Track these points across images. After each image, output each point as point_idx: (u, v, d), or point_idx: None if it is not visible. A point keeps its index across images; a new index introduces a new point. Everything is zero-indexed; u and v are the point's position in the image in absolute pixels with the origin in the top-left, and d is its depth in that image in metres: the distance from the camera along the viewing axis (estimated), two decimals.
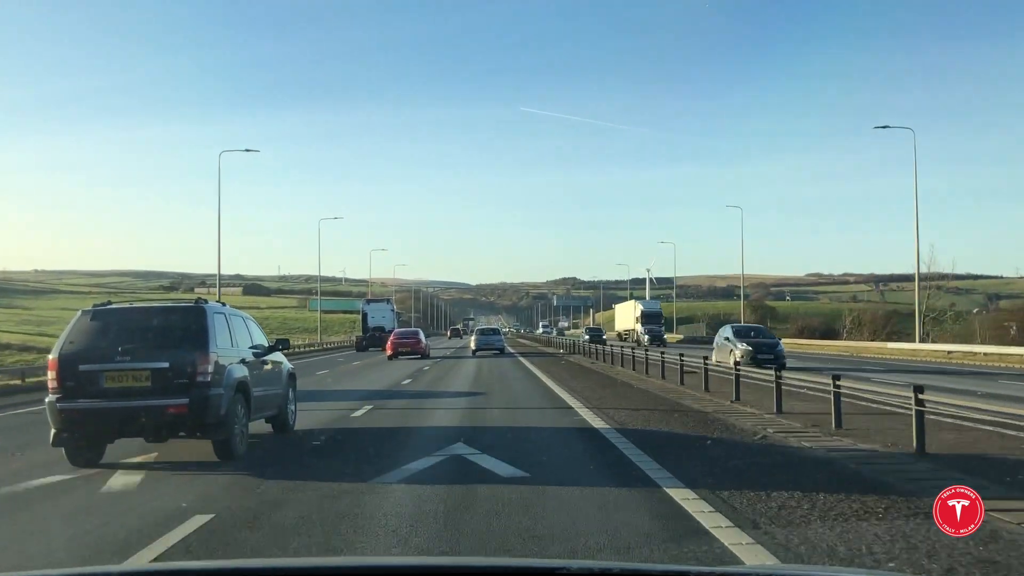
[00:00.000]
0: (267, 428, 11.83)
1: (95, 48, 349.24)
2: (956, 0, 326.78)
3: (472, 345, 43.82)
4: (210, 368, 9.01)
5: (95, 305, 9.54)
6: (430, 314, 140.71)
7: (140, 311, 10.05)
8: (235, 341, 10.08)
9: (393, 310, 56.04)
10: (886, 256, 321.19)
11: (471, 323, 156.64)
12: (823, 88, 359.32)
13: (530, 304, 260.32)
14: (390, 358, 37.77)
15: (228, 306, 10.76)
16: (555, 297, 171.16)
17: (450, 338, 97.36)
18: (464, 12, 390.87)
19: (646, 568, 2.61)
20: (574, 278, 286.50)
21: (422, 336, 42.07)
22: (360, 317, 56.90)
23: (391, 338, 41.46)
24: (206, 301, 9.88)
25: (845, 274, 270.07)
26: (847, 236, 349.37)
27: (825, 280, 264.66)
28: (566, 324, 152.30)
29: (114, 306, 9.73)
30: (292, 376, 12.68)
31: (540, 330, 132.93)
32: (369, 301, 60.20)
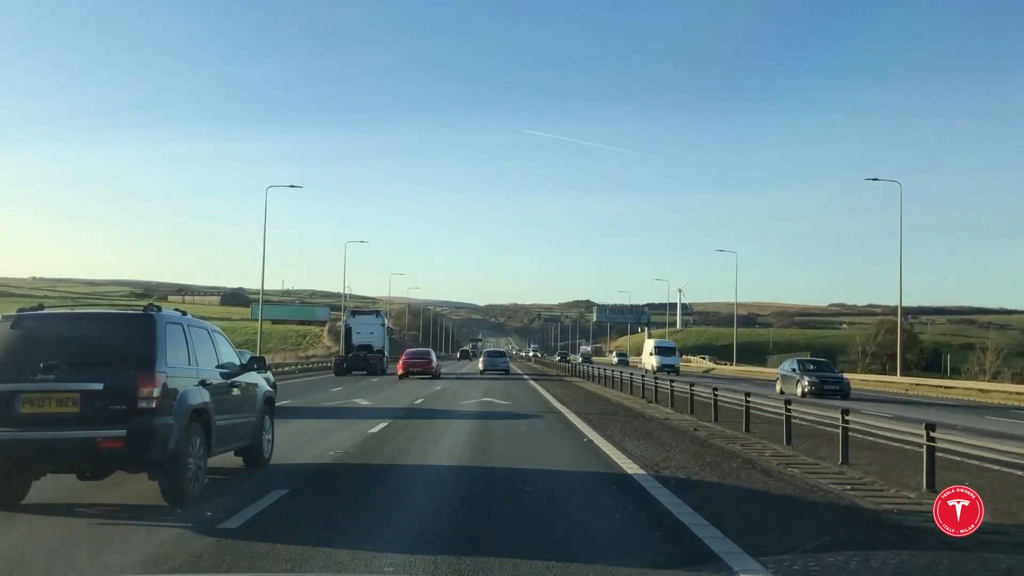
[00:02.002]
0: (237, 460, 10.36)
1: (108, 62, 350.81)
2: (964, 38, 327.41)
3: (480, 366, 50.76)
4: (156, 391, 7.50)
5: (19, 310, 8.05)
6: (432, 333, 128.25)
7: (72, 318, 8.51)
8: (195, 358, 8.58)
9: (384, 325, 48.02)
10: (912, 288, 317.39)
11: (479, 344, 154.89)
12: (838, 119, 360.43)
13: (542, 326, 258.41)
14: (401, 377, 39.15)
15: (190, 315, 9.25)
16: (597, 311, 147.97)
17: (459, 359, 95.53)
18: (477, 34, 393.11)
19: None
20: (588, 301, 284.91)
21: (433, 356, 43.48)
22: (343, 332, 48.56)
23: (403, 357, 42.70)
24: (158, 308, 8.37)
25: (870, 304, 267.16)
26: (869, 267, 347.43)
27: (849, 310, 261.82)
28: (589, 349, 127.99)
29: (46, 311, 8.25)
30: (270, 401, 11.20)
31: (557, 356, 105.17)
32: (355, 313, 51.20)
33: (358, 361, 43.92)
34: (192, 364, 8.48)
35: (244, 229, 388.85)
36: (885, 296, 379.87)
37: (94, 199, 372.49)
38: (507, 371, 49.06)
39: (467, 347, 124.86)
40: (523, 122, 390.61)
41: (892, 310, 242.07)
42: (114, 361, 7.59)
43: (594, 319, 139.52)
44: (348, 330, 46.85)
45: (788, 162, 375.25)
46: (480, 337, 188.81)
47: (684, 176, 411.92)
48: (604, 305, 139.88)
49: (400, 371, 40.09)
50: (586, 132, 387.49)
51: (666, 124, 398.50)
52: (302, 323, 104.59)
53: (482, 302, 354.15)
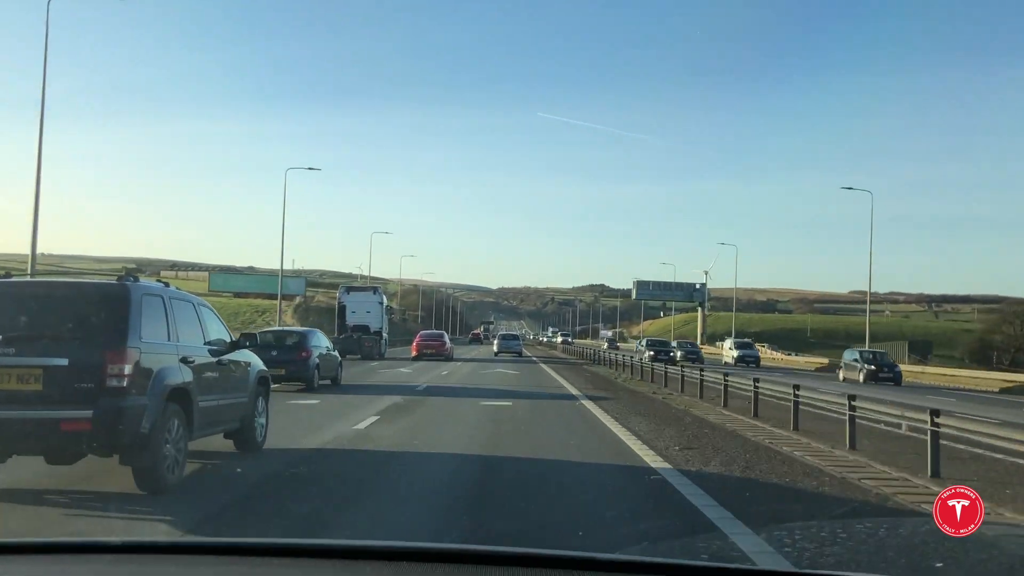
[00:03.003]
0: (229, 444, 9.81)
1: (121, 41, 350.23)
2: (969, 26, 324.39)
3: (495, 348, 54.60)
4: (127, 368, 6.92)
5: None
6: (441, 315, 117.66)
7: (39, 288, 7.94)
8: (175, 334, 7.98)
9: (383, 303, 43.69)
10: (930, 276, 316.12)
11: (492, 327, 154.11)
12: (852, 106, 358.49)
13: (556, 310, 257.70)
14: (415, 359, 39.73)
15: (173, 287, 8.66)
16: (637, 287, 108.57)
17: (470, 342, 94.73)
18: (492, 18, 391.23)
19: (666, 562, 2.49)
20: (603, 285, 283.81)
21: (447, 339, 45.26)
22: (336, 311, 44.96)
23: (416, 339, 43.81)
24: (135, 278, 7.78)
25: (892, 292, 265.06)
26: (890, 255, 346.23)
27: (872, 297, 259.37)
28: (611, 333, 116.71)
29: (11, 279, 7.67)
30: (264, 380, 10.64)
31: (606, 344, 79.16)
32: (349, 289, 47.00)
33: (351, 343, 39.17)
34: (172, 340, 7.89)
35: (258, 208, 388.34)
36: (905, 284, 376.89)
37: (109, 176, 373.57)
38: (520, 353, 52.90)
39: (479, 330, 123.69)
40: (537, 106, 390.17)
41: (915, 298, 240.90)
42: (82, 335, 7.02)
43: (633, 296, 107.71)
44: (342, 308, 43.06)
45: (802, 149, 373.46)
46: (492, 320, 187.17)
47: (697, 163, 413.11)
48: (646, 281, 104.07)
49: (414, 352, 41.53)
50: (599, 117, 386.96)
51: (680, 111, 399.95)
52: (270, 297, 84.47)
53: (494, 285, 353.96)
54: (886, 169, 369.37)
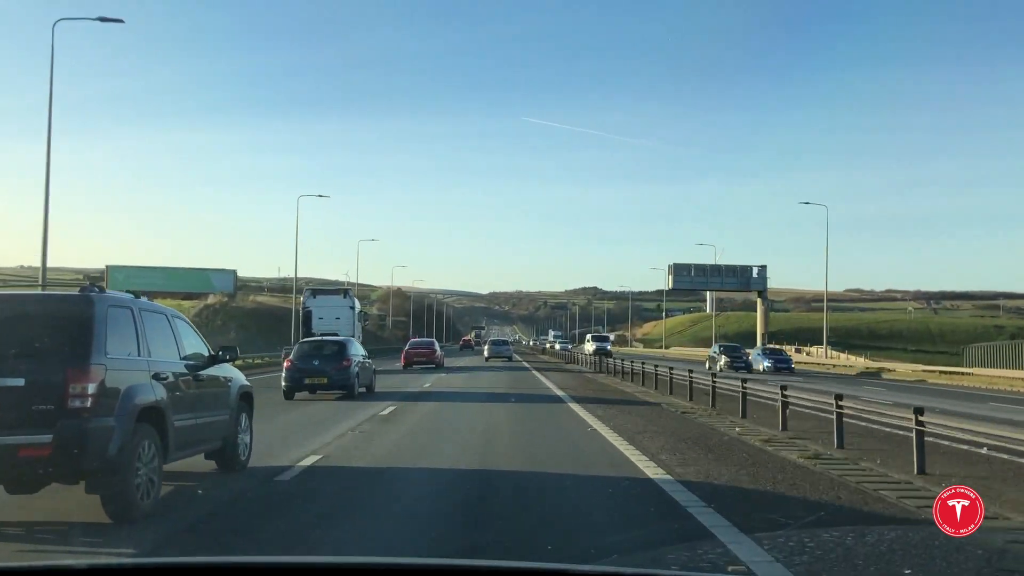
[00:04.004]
0: (210, 464, 9.36)
1: (106, 53, 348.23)
2: (970, 26, 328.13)
3: (486, 353, 56.50)
4: (91, 387, 6.44)
5: None
6: (426, 320, 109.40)
7: None
8: (146, 348, 7.51)
9: (354, 308, 38.25)
10: (925, 273, 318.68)
11: (483, 333, 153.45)
12: (839, 106, 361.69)
13: (549, 314, 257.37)
14: (405, 367, 39.02)
15: (144, 299, 8.18)
16: (674, 273, 77.21)
17: (461, 349, 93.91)
18: (475, 22, 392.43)
19: (654, 572, 2.73)
20: (595, 288, 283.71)
21: (437, 347, 44.70)
22: (300, 317, 39.52)
23: (407, 348, 44.10)
24: (100, 288, 7.30)
25: (888, 290, 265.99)
26: (886, 253, 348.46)
27: (867, 296, 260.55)
28: (613, 337, 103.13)
29: None
30: (247, 396, 10.15)
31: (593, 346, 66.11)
32: (315, 292, 40.67)
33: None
34: (142, 355, 7.42)
35: (240, 216, 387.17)
36: (902, 282, 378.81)
37: (94, 188, 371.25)
38: (510, 358, 55.44)
39: (469, 336, 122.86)
40: (522, 110, 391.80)
41: (913, 295, 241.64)
42: (41, 352, 6.55)
43: (668, 285, 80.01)
44: (307, 315, 38.19)
45: (791, 148, 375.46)
46: (483, 325, 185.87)
47: (686, 164, 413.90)
48: (684, 265, 79.55)
49: (403, 362, 40.97)
50: (585, 120, 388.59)
51: (666, 113, 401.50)
52: (188, 296, 68.50)
53: (485, 290, 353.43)
54: (877, 167, 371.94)
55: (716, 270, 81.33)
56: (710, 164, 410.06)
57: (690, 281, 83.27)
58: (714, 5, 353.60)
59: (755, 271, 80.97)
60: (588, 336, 77.79)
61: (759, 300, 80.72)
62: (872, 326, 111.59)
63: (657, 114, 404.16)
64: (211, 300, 68.36)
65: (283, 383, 20.59)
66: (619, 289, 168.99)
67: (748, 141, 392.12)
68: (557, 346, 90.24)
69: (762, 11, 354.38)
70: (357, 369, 21.31)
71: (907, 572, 4.49)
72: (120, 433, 6.66)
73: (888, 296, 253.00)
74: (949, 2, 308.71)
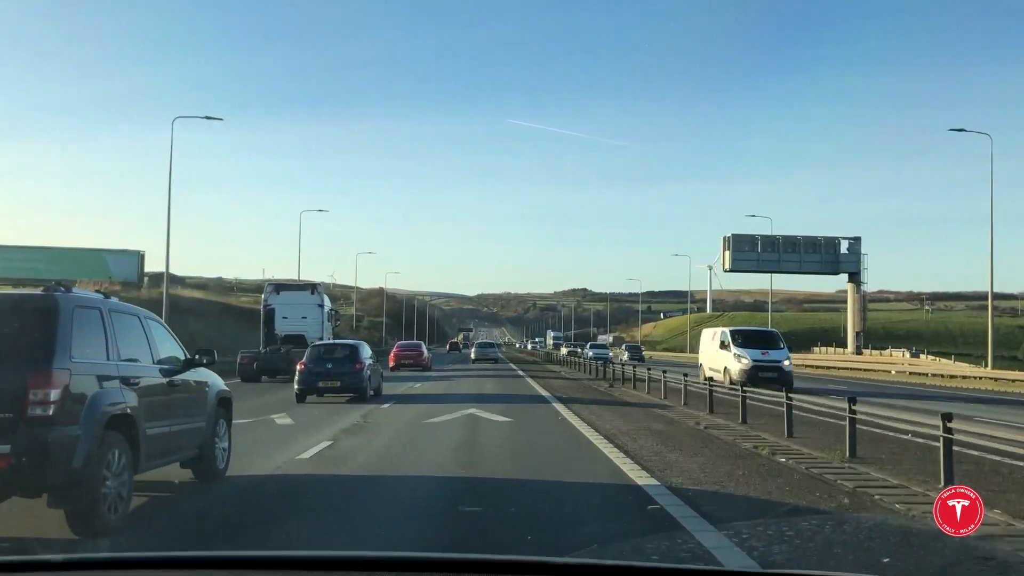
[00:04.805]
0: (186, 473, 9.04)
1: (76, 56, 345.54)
2: (959, 25, 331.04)
3: (472, 355, 58.44)
4: (54, 394, 6.11)
5: None
6: (412, 321, 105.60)
7: None
8: (116, 352, 7.17)
9: (323, 306, 34.50)
10: (917, 273, 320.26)
11: (471, 335, 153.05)
12: (825, 109, 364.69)
13: (538, 316, 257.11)
14: (392, 369, 38.32)
15: (115, 299, 7.84)
16: (732, 248, 68.47)
17: (448, 351, 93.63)
18: (458, 24, 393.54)
19: (637, 565, 2.63)
20: (584, 289, 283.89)
21: (424, 349, 45.67)
22: (262, 316, 34.95)
23: (395, 350, 44.37)
24: (67, 288, 6.95)
25: (881, 291, 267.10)
26: (876, 254, 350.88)
27: (870, 297, 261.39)
28: (610, 339, 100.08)
29: None
30: (225, 402, 9.82)
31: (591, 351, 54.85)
32: (279, 288, 35.31)
33: (275, 361, 29.87)
34: (112, 359, 7.08)
35: (227, 219, 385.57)
36: (893, 282, 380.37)
37: (86, 187, 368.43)
38: (496, 360, 57.04)
39: (457, 339, 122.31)
40: (506, 112, 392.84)
41: (905, 296, 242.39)
42: (1, 356, 6.19)
43: (724, 266, 61.24)
44: (269, 313, 33.84)
45: (778, 149, 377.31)
46: (471, 327, 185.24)
47: (674, 166, 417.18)
48: (747, 236, 60.69)
49: (392, 363, 40.97)
50: (571, 123, 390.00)
51: (651, 115, 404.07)
52: (36, 282, 50.79)
53: (472, 292, 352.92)
54: (869, 166, 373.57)
55: (791, 244, 60.07)
56: (699, 165, 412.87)
57: (755, 259, 60.18)
58: (699, 8, 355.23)
59: (844, 245, 60.54)
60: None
61: (850, 287, 60.65)
62: (888, 327, 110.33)
63: (642, 116, 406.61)
64: (104, 289, 55.08)
65: (296, 386, 21.08)
66: (611, 290, 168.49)
67: (737, 143, 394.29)
68: (568, 350, 68.07)
69: (747, 13, 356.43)
70: (369, 372, 21.92)
71: (886, 560, 4.44)
72: (86, 443, 6.32)
73: (881, 297, 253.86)
74: (935, 4, 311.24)
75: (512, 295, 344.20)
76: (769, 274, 64.81)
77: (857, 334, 58.87)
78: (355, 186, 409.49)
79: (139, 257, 59.12)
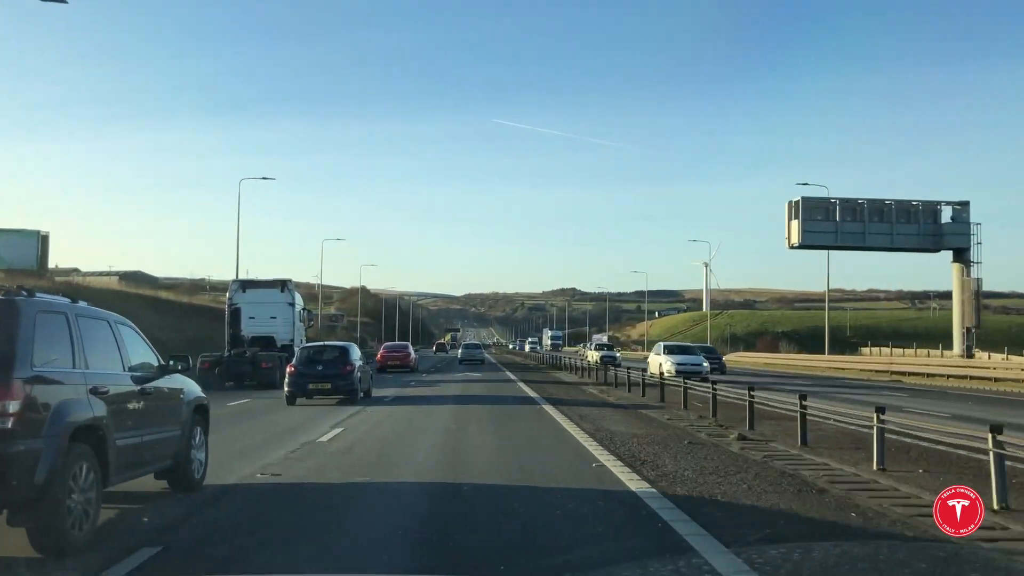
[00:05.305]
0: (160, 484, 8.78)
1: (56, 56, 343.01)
2: (946, 24, 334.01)
3: (459, 356, 60.31)
4: (13, 405, 5.81)
5: None
6: (393, 321, 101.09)
7: None
8: (83, 359, 6.87)
9: (294, 305, 31.75)
10: (907, 273, 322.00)
11: (458, 335, 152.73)
12: (813, 109, 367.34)
13: (527, 315, 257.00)
14: (379, 371, 37.67)
15: (83, 303, 7.54)
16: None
17: (436, 352, 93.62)
18: (444, 24, 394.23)
19: None
20: (574, 289, 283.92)
21: (411, 350, 46.91)
22: (226, 316, 32.03)
23: (381, 351, 45.37)
24: (28, 292, 6.65)
25: (871, 289, 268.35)
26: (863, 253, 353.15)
27: (849, 295, 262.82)
28: (605, 339, 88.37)
29: None
30: (201, 409, 9.55)
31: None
32: (245, 285, 32.46)
33: (241, 365, 28.26)
34: (79, 367, 6.78)
35: (212, 220, 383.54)
36: (882, 281, 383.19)
37: (68, 189, 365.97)
38: (483, 361, 57.40)
39: (444, 339, 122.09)
40: (492, 112, 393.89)
41: (896, 295, 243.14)
42: None
43: (795, 240, 47.39)
44: (235, 313, 31.19)
45: (767, 149, 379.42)
46: (458, 327, 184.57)
47: (661, 166, 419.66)
48: (821, 201, 47.91)
49: (379, 363, 41.60)
50: (558, 123, 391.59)
51: (639, 116, 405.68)
52: None
53: (460, 292, 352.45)
54: (853, 165, 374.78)
55: (878, 210, 48.38)
56: (686, 165, 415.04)
57: (833, 232, 47.81)
58: (685, 7, 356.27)
59: (947, 213, 48.55)
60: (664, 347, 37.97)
61: (956, 268, 48.15)
62: (895, 325, 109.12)
63: (627, 116, 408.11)
64: None
65: (286, 388, 21.25)
66: (600, 289, 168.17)
67: (725, 143, 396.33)
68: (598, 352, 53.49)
69: (735, 13, 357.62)
70: (359, 375, 22.10)
71: None
72: (50, 456, 6.02)
73: (871, 296, 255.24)
74: (914, 8, 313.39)
75: (500, 295, 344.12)
76: (850, 250, 52.16)
77: (967, 331, 46.06)
78: (339, 185, 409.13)
79: (39, 238, 48.06)
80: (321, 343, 25.60)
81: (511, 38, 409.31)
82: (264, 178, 54.35)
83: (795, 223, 47.27)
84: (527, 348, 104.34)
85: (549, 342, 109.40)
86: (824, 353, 56.67)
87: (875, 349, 66.26)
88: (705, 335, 77.67)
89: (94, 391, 6.85)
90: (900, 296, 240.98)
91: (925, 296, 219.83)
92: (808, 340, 76.58)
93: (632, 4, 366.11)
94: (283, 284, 31.95)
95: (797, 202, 47.37)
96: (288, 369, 21.84)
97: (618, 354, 56.55)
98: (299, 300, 33.18)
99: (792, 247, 48.54)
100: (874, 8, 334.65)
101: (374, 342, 78.21)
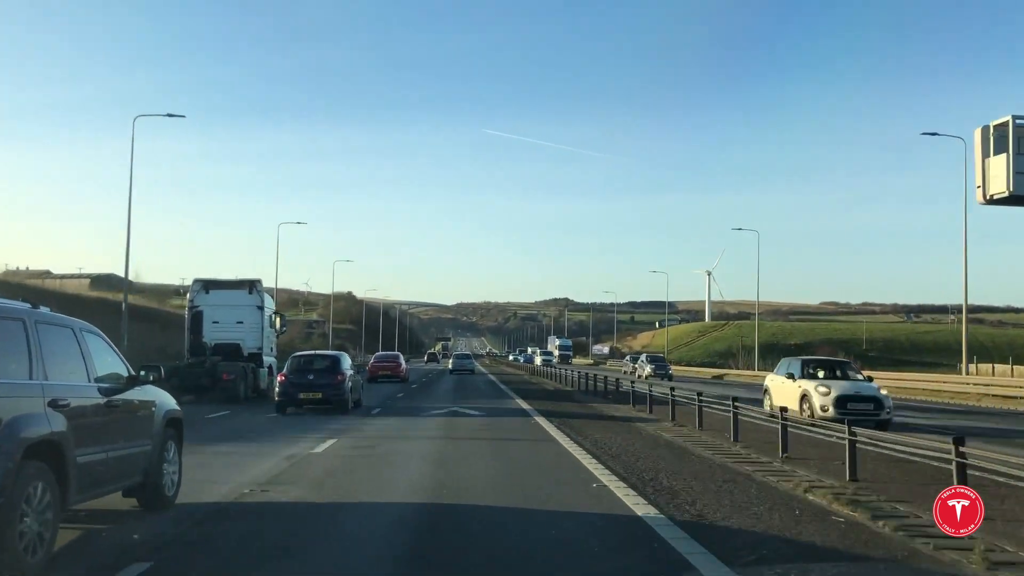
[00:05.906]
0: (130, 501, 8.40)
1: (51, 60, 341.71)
2: (935, 30, 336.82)
3: (450, 366, 61.44)
4: None
5: None
6: (381, 328, 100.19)
7: None
8: (42, 370, 6.45)
9: (263, 308, 28.70)
10: (900, 286, 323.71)
11: (449, 345, 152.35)
12: (808, 121, 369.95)
13: (519, 325, 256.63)
14: (369, 381, 35.93)
15: (45, 309, 7.11)
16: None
17: (427, 363, 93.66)
18: (435, 34, 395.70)
19: None
20: (567, 299, 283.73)
21: (402, 360, 46.57)
22: (187, 320, 29.05)
23: (372, 361, 45.12)
24: None
25: (865, 303, 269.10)
26: (860, 266, 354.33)
27: (843, 309, 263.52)
28: (606, 350, 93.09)
29: None
30: (175, 422, 9.13)
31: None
32: (209, 286, 29.01)
33: (199, 377, 25.56)
34: (36, 378, 6.36)
35: (202, 227, 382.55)
36: (876, 295, 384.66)
37: (50, 194, 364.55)
38: (472, 371, 58.98)
39: (435, 349, 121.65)
40: (482, 123, 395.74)
41: (890, 308, 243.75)
42: None
43: (1007, 187, 26.00)
44: (196, 316, 28.38)
45: (759, 161, 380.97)
46: (450, 337, 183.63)
47: (653, 177, 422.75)
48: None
49: (369, 375, 40.47)
50: (548, 134, 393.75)
51: (630, 127, 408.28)
52: None
53: (451, 301, 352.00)
54: (853, 177, 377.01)
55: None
56: (679, 177, 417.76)
57: None
58: (675, 20, 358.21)
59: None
60: (801, 364, 20.09)
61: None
62: (913, 338, 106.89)
63: (618, 128, 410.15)
64: None
65: (276, 397, 21.30)
66: (594, 300, 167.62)
67: (717, 154, 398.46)
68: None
69: (722, 27, 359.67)
70: (350, 384, 22.04)
71: None
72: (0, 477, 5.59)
73: (866, 309, 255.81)
74: (903, 18, 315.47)
75: (492, 304, 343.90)
76: None
77: None
78: (330, 194, 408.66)
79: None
80: (312, 352, 25.35)
81: (502, 49, 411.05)
82: (169, 115, 35.29)
83: (998, 160, 27.64)
84: (538, 361, 76.14)
85: (558, 353, 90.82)
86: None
87: (984, 366, 54.77)
88: (711, 347, 76.97)
89: (53, 404, 6.43)
90: (895, 310, 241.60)
91: (920, 310, 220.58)
92: (828, 354, 77.28)
93: (623, 16, 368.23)
94: (251, 285, 29.11)
95: (1003, 124, 27.64)
96: (279, 378, 21.79)
97: (671, 369, 50.57)
98: (270, 303, 30.24)
99: (990, 200, 28.38)
100: (868, 20, 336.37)
101: (355, 350, 76.83)
